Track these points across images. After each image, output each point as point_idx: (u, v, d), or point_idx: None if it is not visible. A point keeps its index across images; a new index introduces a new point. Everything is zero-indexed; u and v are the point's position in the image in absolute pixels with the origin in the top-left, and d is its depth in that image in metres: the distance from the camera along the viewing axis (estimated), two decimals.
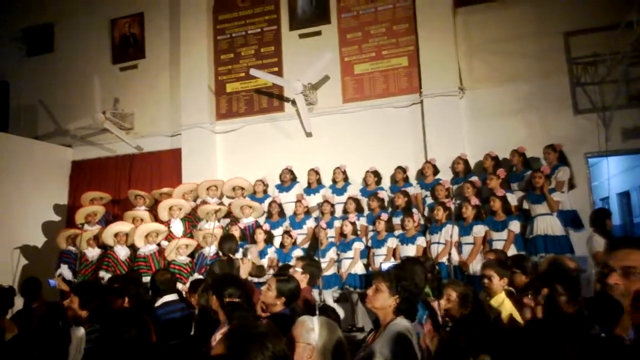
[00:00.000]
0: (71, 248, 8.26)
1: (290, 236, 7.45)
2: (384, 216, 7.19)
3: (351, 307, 7.19)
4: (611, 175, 12.76)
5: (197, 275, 7.16)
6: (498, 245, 6.47)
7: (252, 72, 9.11)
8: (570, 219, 6.87)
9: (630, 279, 1.71)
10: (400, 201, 7.43)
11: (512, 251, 6.42)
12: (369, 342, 3.02)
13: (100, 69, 10.44)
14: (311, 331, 2.41)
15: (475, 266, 6.29)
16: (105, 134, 10.20)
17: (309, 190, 8.49)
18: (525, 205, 6.96)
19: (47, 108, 11.02)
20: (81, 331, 3.80)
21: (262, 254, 7.45)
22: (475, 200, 6.85)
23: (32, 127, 10.95)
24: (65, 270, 7.99)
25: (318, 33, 9.33)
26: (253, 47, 9.72)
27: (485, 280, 4.05)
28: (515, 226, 6.60)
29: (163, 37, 10.36)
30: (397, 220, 7.30)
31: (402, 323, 2.89)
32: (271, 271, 7.00)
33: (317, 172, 8.48)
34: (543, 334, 2.54)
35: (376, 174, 8.09)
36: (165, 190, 8.90)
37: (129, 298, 4.32)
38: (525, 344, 2.52)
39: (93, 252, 8.15)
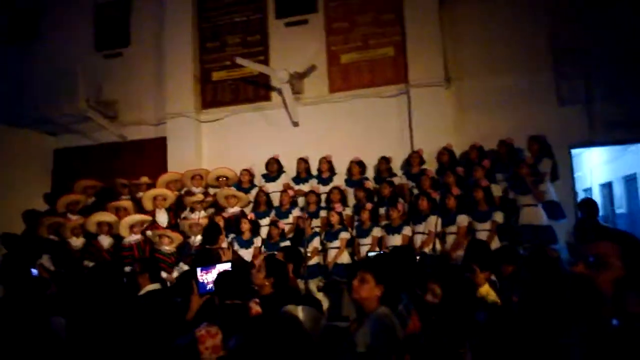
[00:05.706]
0: (53, 237, 8.17)
1: (278, 227, 7.42)
2: (369, 206, 7.19)
3: (337, 296, 7.20)
4: (594, 166, 12.95)
5: (182, 265, 7.12)
6: (481, 235, 6.51)
7: (238, 60, 9.02)
8: (553, 210, 6.93)
9: (596, 267, 1.77)
10: (387, 191, 7.44)
11: (495, 242, 6.47)
12: (351, 331, 3.03)
13: (83, 56, 10.26)
14: None
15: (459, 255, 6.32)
16: (88, 122, 10.03)
17: (298, 180, 8.43)
18: (511, 196, 7.01)
19: (30, 95, 10.80)
20: (62, 321, 3.77)
21: (248, 243, 7.43)
22: (456, 190, 6.88)
23: (14, 115, 10.74)
24: (46, 260, 7.90)
25: (305, 21, 9.25)
26: (239, 35, 9.61)
27: (468, 273, 4.07)
28: (498, 217, 6.66)
29: (148, 24, 10.17)
30: (383, 211, 7.32)
31: (384, 312, 2.90)
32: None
33: (306, 162, 8.41)
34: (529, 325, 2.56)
35: (360, 164, 8.07)
36: (145, 179, 8.80)
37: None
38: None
39: (77, 242, 8.06)
